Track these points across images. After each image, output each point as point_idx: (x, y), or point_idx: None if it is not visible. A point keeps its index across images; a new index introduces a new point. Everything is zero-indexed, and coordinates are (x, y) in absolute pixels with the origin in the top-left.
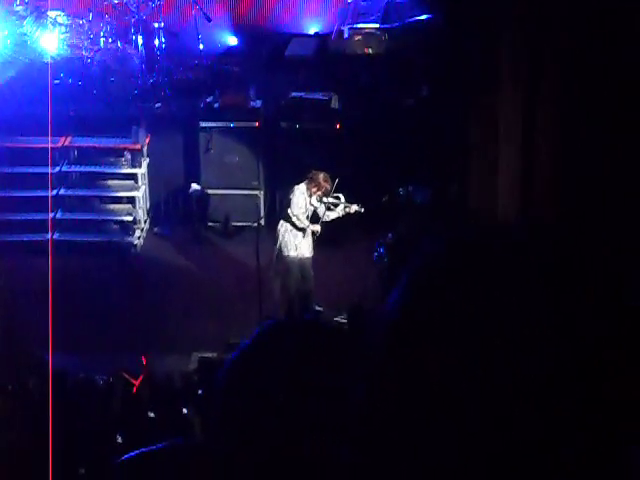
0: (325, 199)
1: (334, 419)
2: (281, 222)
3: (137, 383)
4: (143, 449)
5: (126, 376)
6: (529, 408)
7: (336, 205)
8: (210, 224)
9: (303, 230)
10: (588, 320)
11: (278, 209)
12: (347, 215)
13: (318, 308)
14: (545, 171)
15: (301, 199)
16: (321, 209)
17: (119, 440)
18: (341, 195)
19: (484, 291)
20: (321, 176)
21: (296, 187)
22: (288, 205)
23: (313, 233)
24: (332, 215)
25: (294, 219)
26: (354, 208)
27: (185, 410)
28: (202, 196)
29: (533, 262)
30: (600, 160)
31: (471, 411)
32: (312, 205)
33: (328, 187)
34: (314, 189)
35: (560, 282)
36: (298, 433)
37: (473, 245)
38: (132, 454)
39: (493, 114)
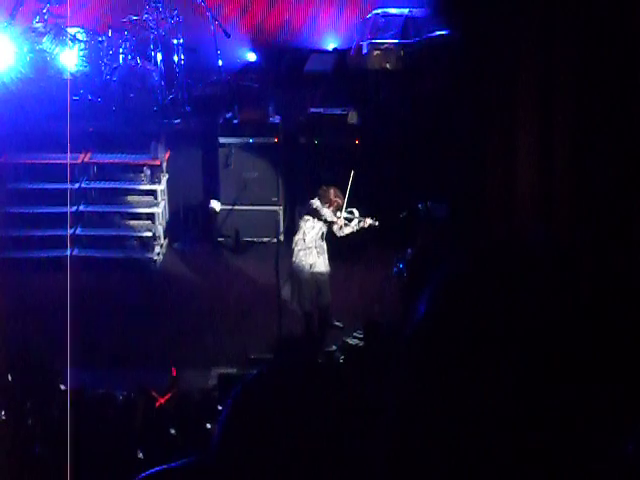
0: (339, 214)
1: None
2: (295, 239)
3: (163, 400)
4: (162, 466)
5: (154, 394)
6: (555, 421)
7: (350, 220)
8: (226, 239)
9: (317, 248)
10: (607, 334)
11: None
12: (362, 229)
13: (337, 323)
14: (563, 186)
15: (309, 222)
16: (336, 225)
17: (140, 456)
18: (355, 210)
19: (508, 303)
20: (331, 192)
21: (311, 202)
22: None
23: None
24: (347, 230)
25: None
26: (368, 222)
27: (209, 425)
28: (221, 212)
29: (555, 276)
30: (618, 175)
31: (501, 422)
32: (325, 221)
33: (340, 202)
34: (326, 205)
35: (581, 299)
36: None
37: (496, 259)
38: (151, 471)
39: (510, 129)
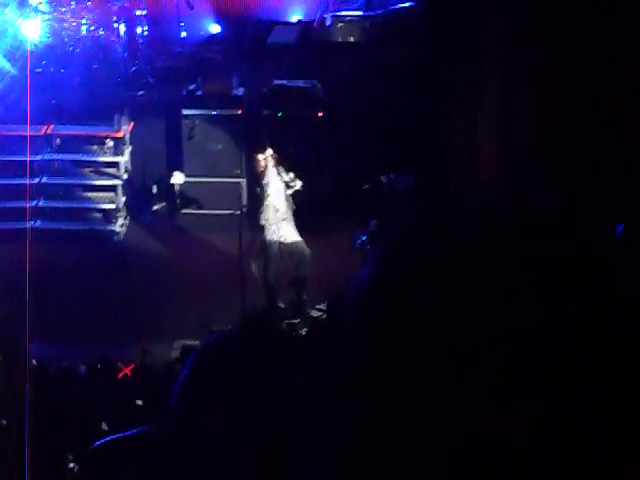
0: (284, 175)
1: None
2: (261, 211)
3: (127, 370)
4: (113, 436)
5: (120, 365)
6: (503, 389)
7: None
8: (189, 211)
9: (284, 219)
10: (573, 307)
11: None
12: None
13: (281, 305)
14: (527, 155)
15: (263, 187)
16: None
17: (105, 427)
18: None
19: (455, 268)
20: (257, 155)
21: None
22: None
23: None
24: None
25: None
26: (299, 184)
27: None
28: (184, 184)
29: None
30: (583, 146)
31: (441, 389)
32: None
33: (264, 163)
34: (263, 170)
35: (537, 260)
36: (255, 427)
37: (441, 223)
38: (102, 441)
39: (474, 100)
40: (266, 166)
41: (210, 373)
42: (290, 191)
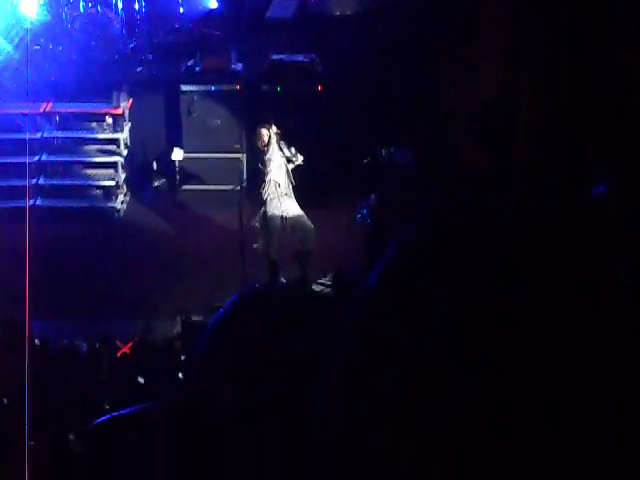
0: (286, 150)
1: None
2: (263, 186)
3: (126, 348)
4: (114, 413)
5: (118, 343)
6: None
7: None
8: (189, 187)
9: (286, 194)
10: (574, 298)
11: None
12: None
13: (282, 279)
14: (527, 129)
15: (263, 161)
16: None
17: (107, 407)
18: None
19: (455, 256)
20: (260, 129)
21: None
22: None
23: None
24: (290, 166)
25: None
26: (300, 159)
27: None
28: (184, 160)
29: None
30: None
31: (436, 370)
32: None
33: (266, 134)
34: (265, 143)
35: (542, 259)
36: (279, 396)
37: (450, 224)
38: (104, 418)
39: (473, 72)
40: (269, 141)
41: (228, 343)
42: (291, 166)
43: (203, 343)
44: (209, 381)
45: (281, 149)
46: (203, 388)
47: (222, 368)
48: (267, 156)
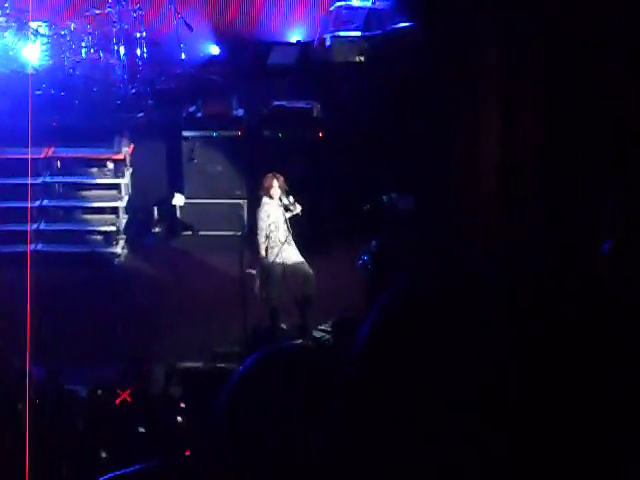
0: (284, 199)
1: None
2: (261, 235)
3: (125, 395)
4: (118, 472)
5: (118, 391)
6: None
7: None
8: (190, 233)
9: (285, 242)
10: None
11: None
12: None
13: (283, 326)
14: (526, 176)
15: (263, 210)
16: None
17: (104, 455)
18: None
19: (448, 331)
20: (268, 176)
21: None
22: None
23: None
24: (288, 214)
25: (260, 235)
26: (298, 208)
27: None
28: (185, 205)
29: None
30: (584, 165)
31: (434, 441)
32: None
33: (275, 184)
34: (270, 192)
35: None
36: (297, 454)
37: (439, 285)
38: (106, 477)
39: (474, 121)
40: (274, 190)
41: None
42: (289, 214)
43: (224, 400)
44: (228, 442)
45: (280, 198)
46: (237, 436)
47: (241, 431)
48: (267, 204)
